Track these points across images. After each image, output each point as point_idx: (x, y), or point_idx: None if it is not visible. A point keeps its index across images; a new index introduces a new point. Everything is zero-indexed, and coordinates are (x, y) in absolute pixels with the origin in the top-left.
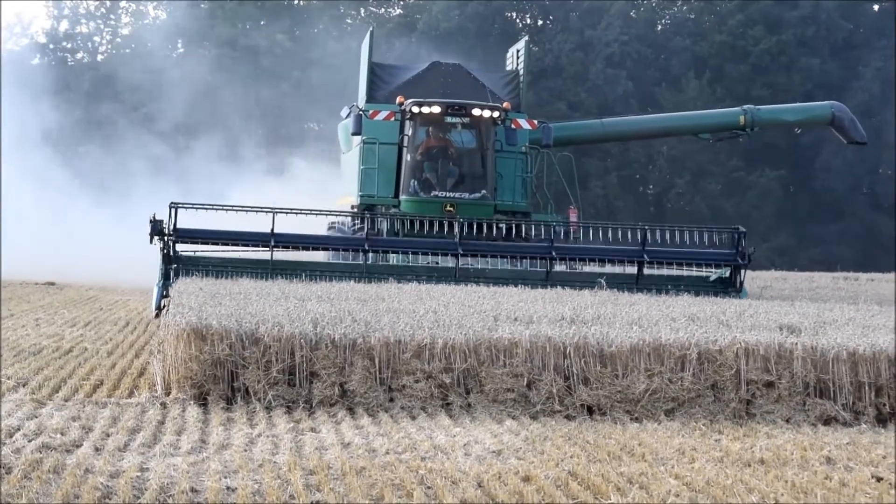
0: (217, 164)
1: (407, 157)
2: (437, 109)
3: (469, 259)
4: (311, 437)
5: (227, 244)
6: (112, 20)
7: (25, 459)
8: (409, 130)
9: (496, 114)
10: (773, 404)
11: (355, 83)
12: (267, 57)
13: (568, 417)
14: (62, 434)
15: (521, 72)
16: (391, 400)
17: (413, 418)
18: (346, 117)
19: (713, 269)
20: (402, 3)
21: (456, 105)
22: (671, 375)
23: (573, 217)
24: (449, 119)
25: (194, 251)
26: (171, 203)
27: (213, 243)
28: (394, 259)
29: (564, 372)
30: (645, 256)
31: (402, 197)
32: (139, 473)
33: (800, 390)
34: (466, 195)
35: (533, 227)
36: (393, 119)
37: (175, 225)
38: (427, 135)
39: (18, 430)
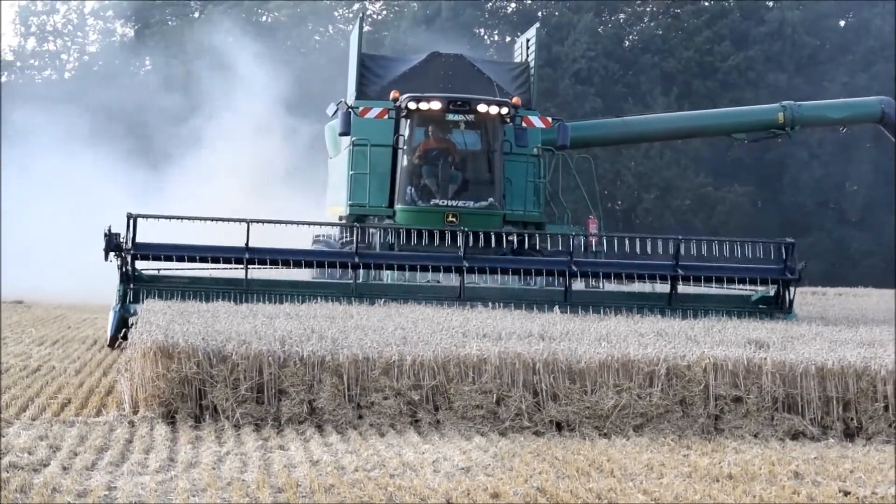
0: (192, 178)
1: (403, 160)
2: (437, 105)
3: (475, 277)
4: (280, 455)
5: (194, 260)
6: (80, 37)
7: None
8: (405, 130)
9: (505, 110)
10: (741, 419)
11: (344, 79)
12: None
13: (537, 434)
14: (29, 453)
15: (532, 64)
16: (360, 417)
17: (382, 435)
18: (333, 116)
19: (755, 288)
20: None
21: (459, 100)
22: (640, 391)
23: (593, 228)
24: (451, 116)
25: (157, 269)
26: (129, 214)
27: (178, 259)
28: (388, 277)
29: (533, 388)
30: (679, 272)
31: (398, 206)
32: (107, 492)
33: (768, 405)
34: (471, 204)
35: (549, 239)
36: (386, 117)
37: (134, 238)
38: (426, 135)
39: None
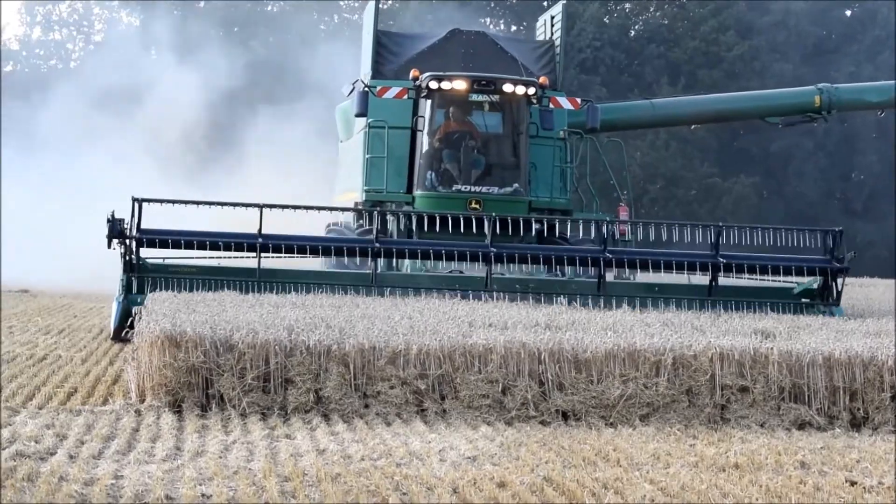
0: (200, 167)
1: (422, 143)
2: (461, 85)
3: (498, 266)
4: (287, 444)
5: (203, 248)
6: (85, 27)
7: None
8: (425, 111)
9: (532, 90)
10: (747, 409)
11: (354, 59)
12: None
13: (543, 423)
14: (36, 442)
15: (558, 42)
16: (366, 406)
17: (388, 424)
18: (349, 96)
19: (796, 279)
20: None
21: (484, 79)
22: (646, 381)
23: (624, 216)
24: (475, 97)
25: (163, 258)
26: (134, 198)
27: (186, 247)
28: (408, 266)
29: (539, 378)
30: (720, 261)
31: (417, 192)
32: (114, 481)
33: (774, 395)
34: (495, 190)
35: (581, 225)
36: (406, 97)
37: (139, 224)
38: (447, 116)
39: None
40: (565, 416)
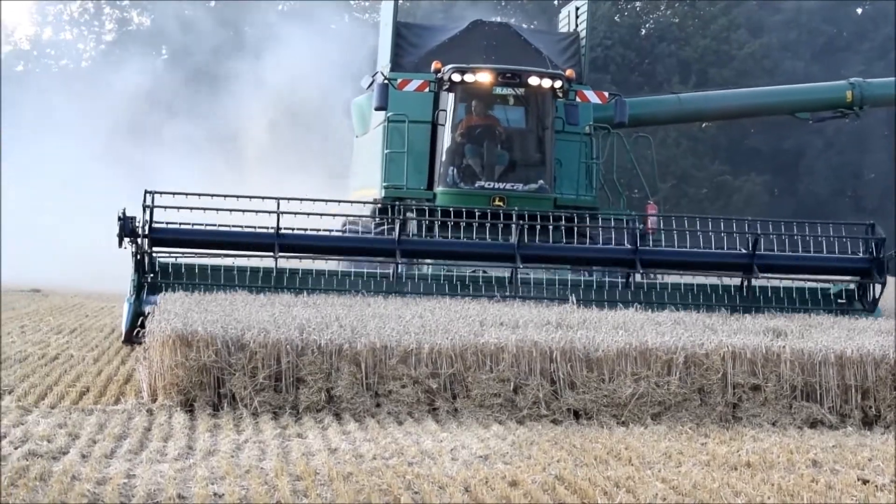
0: (210, 167)
1: (444, 138)
2: (485, 77)
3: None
4: (298, 443)
5: (218, 247)
6: (96, 26)
7: (12, 467)
8: (446, 105)
9: (558, 83)
10: (759, 408)
11: (374, 51)
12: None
13: (554, 422)
14: (48, 441)
15: (583, 34)
16: (378, 405)
17: (400, 423)
18: (367, 88)
19: (831, 278)
20: None
21: (509, 72)
22: (658, 379)
23: (653, 215)
24: (499, 90)
25: (176, 258)
26: (147, 191)
27: (201, 246)
28: (429, 266)
29: (551, 376)
30: (755, 263)
31: (439, 189)
32: (126, 480)
33: (786, 393)
34: (520, 187)
35: (612, 222)
36: (427, 90)
37: (151, 223)
38: (470, 110)
39: (5, 437)
40: (577, 415)
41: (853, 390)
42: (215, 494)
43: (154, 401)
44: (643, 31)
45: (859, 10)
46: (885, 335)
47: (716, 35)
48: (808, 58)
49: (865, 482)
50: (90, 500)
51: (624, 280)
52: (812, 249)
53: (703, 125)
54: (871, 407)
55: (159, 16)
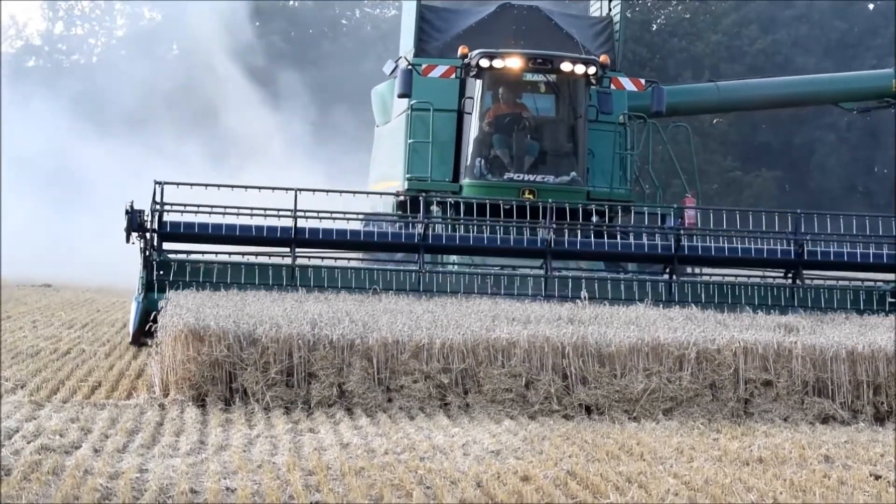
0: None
1: (471, 127)
2: (515, 63)
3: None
4: (310, 438)
5: (232, 242)
6: (107, 22)
7: (24, 461)
8: (474, 92)
9: (592, 70)
10: (771, 403)
11: (396, 37)
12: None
13: (566, 417)
14: (61, 436)
15: (617, 18)
16: (389, 400)
17: (411, 419)
18: (390, 75)
19: (879, 276)
20: None
21: (540, 57)
22: (669, 375)
23: (691, 209)
24: (529, 76)
25: (187, 253)
26: (156, 181)
27: (213, 241)
28: (454, 261)
29: (563, 372)
30: (803, 259)
31: (465, 181)
32: (138, 475)
33: (798, 389)
34: (551, 179)
35: (645, 219)
36: (453, 77)
37: (161, 216)
38: (498, 98)
39: (17, 431)
40: (588, 410)
41: (865, 386)
42: (227, 489)
43: (166, 395)
44: (654, 27)
45: (871, 6)
46: None
47: (727, 31)
48: (820, 53)
49: (877, 478)
50: (102, 495)
51: (665, 278)
52: (860, 245)
53: (714, 120)
54: (882, 403)
55: (171, 11)
